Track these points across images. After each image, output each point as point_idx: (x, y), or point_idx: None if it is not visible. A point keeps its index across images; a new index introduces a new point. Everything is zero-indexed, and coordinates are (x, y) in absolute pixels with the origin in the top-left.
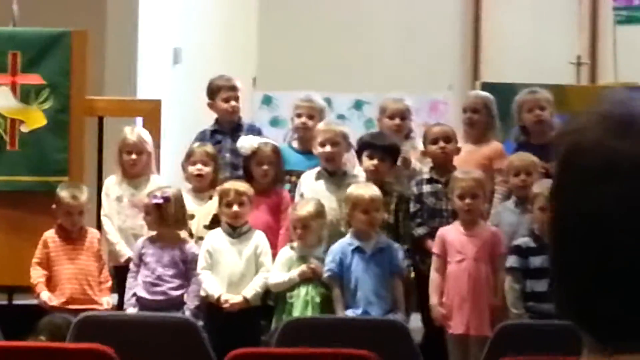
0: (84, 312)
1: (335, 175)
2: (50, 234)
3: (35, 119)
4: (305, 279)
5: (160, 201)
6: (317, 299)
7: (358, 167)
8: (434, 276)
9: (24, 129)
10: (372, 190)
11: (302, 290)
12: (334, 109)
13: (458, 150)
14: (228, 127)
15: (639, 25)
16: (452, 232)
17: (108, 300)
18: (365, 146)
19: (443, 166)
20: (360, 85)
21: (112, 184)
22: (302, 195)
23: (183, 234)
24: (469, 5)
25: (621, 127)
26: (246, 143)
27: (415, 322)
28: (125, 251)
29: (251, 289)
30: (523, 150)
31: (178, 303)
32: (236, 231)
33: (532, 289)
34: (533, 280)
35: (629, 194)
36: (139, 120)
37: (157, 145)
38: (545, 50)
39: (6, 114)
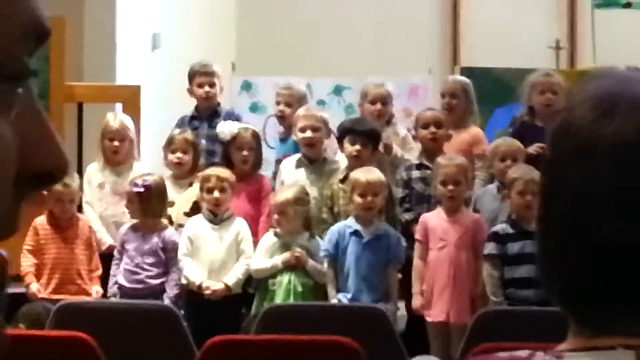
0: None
1: (315, 163)
2: (40, 221)
3: None
4: (289, 267)
5: (141, 189)
6: (300, 288)
7: (340, 154)
8: (416, 263)
9: None
10: (371, 174)
11: (285, 278)
12: (314, 95)
13: (449, 137)
14: (205, 113)
15: (616, 9)
16: (434, 219)
17: (97, 290)
18: (346, 132)
19: (433, 152)
20: (340, 70)
21: (94, 171)
22: (282, 183)
23: (164, 221)
24: None
25: (605, 107)
26: (226, 128)
27: (400, 309)
28: (106, 239)
29: (232, 276)
30: (526, 129)
31: (157, 291)
32: (217, 217)
33: (511, 275)
34: (512, 266)
35: (607, 175)
36: (119, 106)
37: (137, 131)
38: (524, 34)
39: None
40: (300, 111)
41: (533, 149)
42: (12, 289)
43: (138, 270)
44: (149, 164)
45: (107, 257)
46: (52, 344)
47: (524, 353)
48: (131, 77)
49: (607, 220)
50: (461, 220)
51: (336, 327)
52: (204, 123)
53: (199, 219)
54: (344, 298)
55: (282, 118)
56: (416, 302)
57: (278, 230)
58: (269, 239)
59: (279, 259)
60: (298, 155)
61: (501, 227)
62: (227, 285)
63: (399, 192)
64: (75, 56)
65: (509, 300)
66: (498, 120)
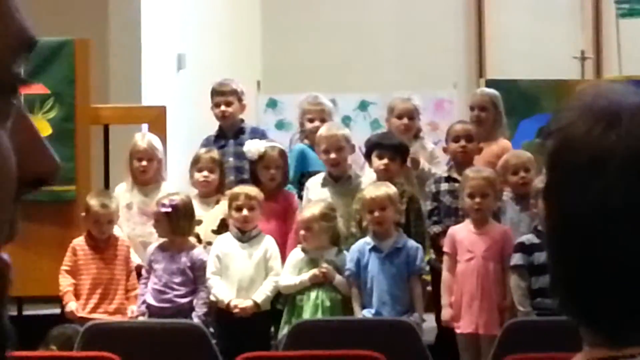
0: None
1: (340, 180)
2: (79, 242)
3: (41, 128)
4: (316, 282)
5: (169, 209)
6: (327, 303)
7: (368, 169)
8: (445, 276)
9: None
10: (377, 191)
11: (312, 293)
12: (339, 110)
13: (480, 150)
14: (230, 131)
15: None
16: (462, 231)
17: (133, 309)
18: (374, 146)
19: (463, 165)
20: (365, 85)
21: (122, 192)
22: (309, 201)
23: (191, 239)
24: (471, 3)
25: (607, 121)
26: (253, 147)
27: (430, 320)
28: (134, 259)
29: (261, 293)
30: None
31: (186, 310)
32: (245, 235)
33: (538, 285)
34: (539, 276)
35: (619, 190)
36: (145, 126)
37: (163, 151)
38: (549, 45)
39: None
40: (322, 131)
41: None
42: (37, 312)
43: (166, 289)
44: (176, 183)
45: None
46: None
47: None
48: (157, 98)
49: (622, 232)
50: (489, 232)
51: (365, 341)
52: (230, 141)
53: (227, 237)
54: (368, 314)
55: (314, 134)
56: (445, 314)
57: (305, 246)
58: (296, 254)
59: (307, 276)
60: (323, 174)
61: (527, 237)
62: (255, 303)
63: (427, 205)
64: (101, 78)
65: (538, 310)
66: (524, 132)
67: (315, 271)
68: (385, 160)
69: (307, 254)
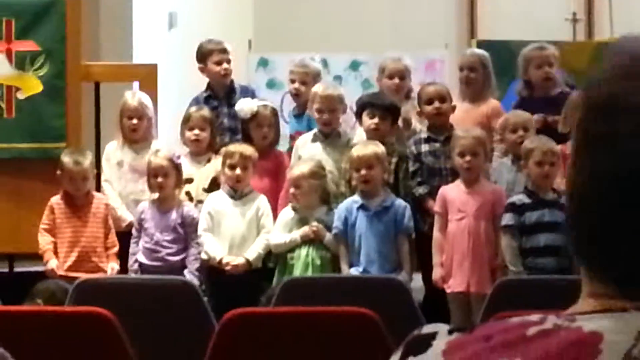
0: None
1: (330, 137)
2: (56, 200)
3: (32, 85)
4: (307, 241)
5: (180, 161)
6: (318, 261)
7: (359, 129)
8: (436, 235)
9: (20, 95)
10: (364, 149)
11: (303, 251)
12: (331, 70)
13: (453, 109)
14: (222, 91)
15: None
16: (453, 191)
17: (113, 266)
18: (365, 106)
19: (440, 126)
20: (356, 45)
21: (113, 149)
22: (299, 159)
23: (182, 197)
24: None
25: None
26: (245, 106)
27: (417, 281)
28: (127, 216)
29: (253, 251)
30: (526, 104)
31: (177, 268)
32: (238, 193)
33: (529, 245)
34: (530, 236)
35: None
36: (136, 84)
37: (154, 110)
38: (541, 6)
39: (2, 81)
40: (318, 89)
41: (536, 120)
42: (28, 269)
43: (158, 247)
44: (166, 142)
45: (127, 235)
46: (71, 320)
47: (535, 317)
48: (148, 56)
49: None
50: (480, 192)
51: (354, 298)
52: (223, 102)
53: (220, 194)
54: (355, 272)
55: (297, 96)
56: (436, 274)
57: (296, 204)
58: (287, 213)
59: (297, 234)
60: (314, 131)
61: (518, 197)
62: (248, 260)
63: (410, 166)
64: (92, 36)
65: (528, 270)
66: (515, 93)
67: (306, 229)
68: (376, 120)
69: (297, 213)
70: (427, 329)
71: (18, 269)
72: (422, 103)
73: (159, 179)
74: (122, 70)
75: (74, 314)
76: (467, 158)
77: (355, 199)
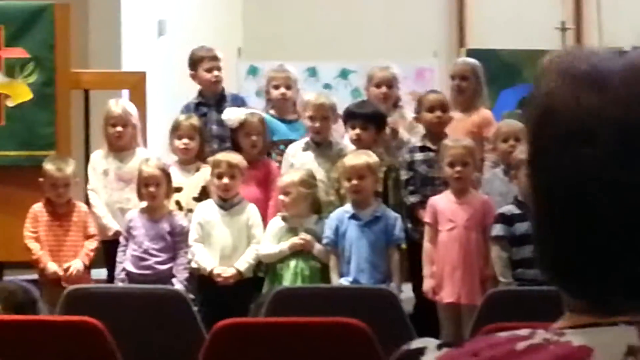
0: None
1: (321, 146)
2: (38, 208)
3: (21, 93)
4: (296, 251)
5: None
6: (307, 271)
7: (347, 137)
8: (426, 246)
9: (10, 103)
10: (356, 159)
11: (292, 262)
12: (320, 79)
13: (450, 119)
14: (212, 98)
15: None
16: (442, 201)
17: (77, 266)
18: (349, 116)
19: (437, 134)
20: (346, 54)
21: (99, 158)
22: (291, 166)
23: (171, 206)
24: None
25: (593, 86)
26: (232, 115)
27: (407, 291)
28: (112, 225)
29: (243, 261)
30: None
31: (165, 277)
32: (227, 203)
33: (519, 256)
34: (520, 247)
35: (615, 160)
36: (125, 92)
37: (143, 117)
38: (530, 16)
39: None
40: (311, 98)
41: None
42: (20, 276)
43: (146, 256)
44: (155, 150)
45: (114, 244)
46: (61, 329)
47: (524, 332)
48: (137, 64)
49: (617, 202)
50: (470, 202)
51: (344, 309)
52: (212, 109)
53: (209, 204)
54: (345, 282)
55: (284, 100)
56: (427, 285)
57: (286, 214)
58: (276, 223)
59: (286, 245)
60: (305, 139)
61: (507, 208)
62: (238, 271)
63: (402, 175)
64: (81, 43)
65: (519, 281)
66: (505, 102)
67: (294, 239)
68: (357, 130)
69: (287, 222)
70: (416, 343)
71: (8, 277)
72: (422, 110)
73: (151, 189)
74: (112, 78)
75: (63, 323)
76: (458, 168)
77: (346, 209)
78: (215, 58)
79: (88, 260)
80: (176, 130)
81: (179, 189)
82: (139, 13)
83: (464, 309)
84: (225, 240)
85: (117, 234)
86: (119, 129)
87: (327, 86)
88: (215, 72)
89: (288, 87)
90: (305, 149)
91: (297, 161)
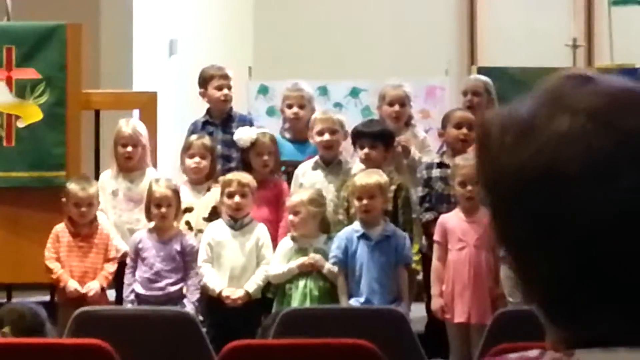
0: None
1: (331, 165)
2: (60, 228)
3: (32, 113)
4: (305, 271)
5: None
6: (316, 292)
7: (356, 156)
8: (435, 265)
9: (20, 124)
10: (368, 178)
11: (301, 282)
12: (331, 97)
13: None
14: (219, 118)
15: (633, 6)
16: (453, 220)
17: (95, 287)
18: (358, 136)
19: (459, 152)
20: (356, 72)
21: (108, 178)
22: (301, 187)
23: (181, 226)
24: None
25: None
26: (244, 134)
27: (420, 310)
28: (122, 246)
29: (253, 283)
30: None
31: (176, 297)
32: (237, 223)
33: None
34: None
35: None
36: (136, 112)
37: (153, 137)
38: (541, 33)
39: (2, 109)
40: (317, 114)
41: None
42: (38, 297)
43: (158, 278)
44: (166, 170)
45: (123, 265)
46: (69, 351)
47: (533, 353)
48: (148, 84)
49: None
50: (480, 221)
51: (353, 329)
52: (219, 128)
53: (219, 224)
54: (356, 303)
55: (296, 120)
56: (435, 304)
57: (295, 234)
58: (286, 243)
59: (295, 264)
60: (314, 159)
61: None
62: (247, 292)
63: (418, 192)
64: (92, 63)
65: None
66: None
67: (304, 259)
68: (366, 150)
69: (296, 243)
70: None
71: (17, 299)
72: (449, 126)
73: (163, 209)
74: (122, 98)
75: (72, 346)
76: (469, 187)
77: (356, 228)
78: (225, 77)
79: (106, 282)
80: (188, 150)
81: (189, 209)
82: (150, 33)
83: (473, 329)
84: (235, 261)
85: (126, 255)
86: (129, 149)
87: (337, 105)
88: (225, 91)
89: (301, 107)
90: (314, 169)
91: (307, 181)
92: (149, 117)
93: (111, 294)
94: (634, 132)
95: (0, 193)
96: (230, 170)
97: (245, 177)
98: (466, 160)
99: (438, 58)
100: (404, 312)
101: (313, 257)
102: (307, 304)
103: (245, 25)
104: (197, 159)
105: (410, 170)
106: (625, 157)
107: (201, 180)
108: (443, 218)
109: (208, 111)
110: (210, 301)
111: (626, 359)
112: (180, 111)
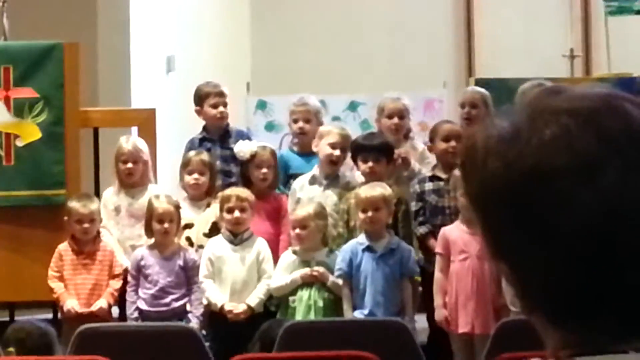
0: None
1: (329, 178)
2: (64, 247)
3: (30, 132)
4: (308, 282)
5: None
6: (320, 303)
7: (358, 171)
8: (438, 276)
9: (19, 143)
10: (372, 191)
11: (305, 294)
12: (329, 111)
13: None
14: (217, 133)
15: (630, 15)
16: (455, 231)
17: (102, 305)
18: (358, 149)
19: (449, 164)
20: (355, 86)
21: (110, 195)
22: (298, 201)
23: (182, 242)
24: (461, 2)
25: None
26: (244, 148)
27: (421, 321)
28: (124, 262)
29: (254, 297)
30: None
31: (180, 312)
32: (237, 238)
33: None
34: None
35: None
36: (134, 129)
37: (153, 154)
38: (538, 44)
39: (1, 128)
40: (334, 129)
41: None
42: (41, 315)
43: (163, 294)
44: (165, 186)
45: (126, 281)
46: None
47: None
48: (146, 101)
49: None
50: None
51: (358, 341)
52: (216, 144)
53: (219, 239)
54: (360, 315)
55: (302, 134)
56: (439, 315)
57: (297, 248)
58: (288, 257)
59: (297, 274)
60: (311, 173)
61: None
62: (249, 307)
63: (412, 206)
64: (90, 81)
65: None
66: None
67: (307, 270)
68: (370, 164)
69: (298, 256)
70: None
71: (19, 317)
72: (437, 139)
73: (166, 225)
74: (121, 115)
75: None
76: None
77: (361, 241)
78: (221, 94)
79: (113, 299)
80: (187, 166)
81: (189, 225)
82: (148, 50)
83: (477, 339)
84: (236, 276)
85: (127, 271)
86: (130, 165)
87: (336, 118)
88: (221, 108)
89: (307, 121)
90: (311, 183)
91: (305, 195)
92: (148, 134)
93: (114, 311)
94: (615, 130)
95: (1, 212)
96: (230, 185)
97: (244, 192)
98: None
99: (436, 71)
100: (409, 324)
101: (317, 269)
102: (312, 316)
103: (243, 40)
104: (196, 175)
105: (409, 182)
106: (607, 155)
107: (201, 196)
108: (445, 230)
109: (204, 128)
110: (212, 316)
111: None
112: (179, 127)
